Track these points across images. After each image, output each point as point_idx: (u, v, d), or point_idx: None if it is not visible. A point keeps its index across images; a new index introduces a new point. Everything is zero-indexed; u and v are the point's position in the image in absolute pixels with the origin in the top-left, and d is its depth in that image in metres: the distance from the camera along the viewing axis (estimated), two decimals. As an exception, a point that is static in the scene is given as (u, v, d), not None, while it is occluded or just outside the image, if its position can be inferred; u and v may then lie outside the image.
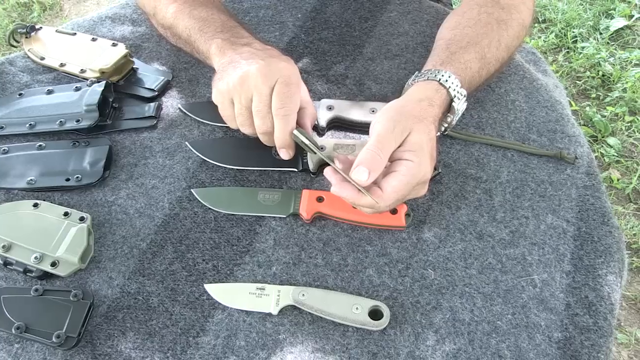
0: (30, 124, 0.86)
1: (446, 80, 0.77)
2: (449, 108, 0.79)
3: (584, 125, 2.06)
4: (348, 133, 0.88)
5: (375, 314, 0.69)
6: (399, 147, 0.69)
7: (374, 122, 0.71)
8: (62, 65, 0.95)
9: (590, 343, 0.69)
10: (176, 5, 0.87)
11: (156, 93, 0.91)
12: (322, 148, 0.81)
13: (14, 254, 0.73)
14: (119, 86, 0.92)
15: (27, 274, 0.73)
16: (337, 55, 0.99)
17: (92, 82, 0.89)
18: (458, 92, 0.78)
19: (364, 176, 0.66)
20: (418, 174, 0.68)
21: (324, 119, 0.86)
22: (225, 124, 0.80)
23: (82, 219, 0.76)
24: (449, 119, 0.80)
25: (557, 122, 0.90)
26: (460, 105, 0.79)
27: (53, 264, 0.72)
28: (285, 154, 0.77)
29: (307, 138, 0.74)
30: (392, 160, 0.70)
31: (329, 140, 0.84)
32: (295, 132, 0.73)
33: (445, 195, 0.81)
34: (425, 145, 0.69)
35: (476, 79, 0.83)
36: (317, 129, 0.87)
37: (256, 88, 0.71)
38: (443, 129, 0.82)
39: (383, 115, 0.71)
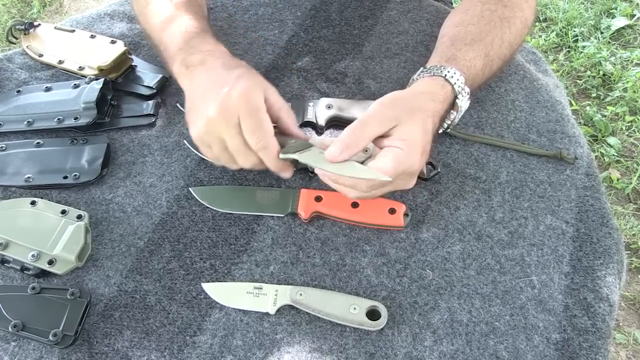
0: (28, 121, 0.86)
1: (452, 77, 0.76)
2: (452, 105, 0.79)
3: (584, 124, 2.05)
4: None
5: (372, 314, 0.69)
6: (390, 136, 0.69)
7: (369, 107, 0.71)
8: (60, 62, 0.94)
9: (588, 345, 0.69)
10: (145, 18, 0.86)
11: (154, 91, 0.91)
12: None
13: (11, 251, 0.72)
14: (118, 84, 0.92)
15: (24, 272, 0.72)
16: (337, 53, 0.99)
17: (91, 80, 0.88)
18: (462, 89, 0.77)
19: (337, 152, 0.66)
20: (405, 162, 0.67)
21: (323, 117, 0.86)
22: None
23: (79, 217, 0.76)
24: (452, 116, 0.80)
25: (557, 122, 0.90)
26: (463, 103, 0.79)
27: (50, 262, 0.72)
28: (285, 175, 0.73)
29: (293, 153, 0.71)
30: (382, 147, 0.70)
31: (327, 139, 0.84)
32: (281, 155, 0.70)
33: (444, 195, 0.81)
34: (418, 137, 0.68)
35: (480, 77, 0.82)
36: (316, 127, 0.87)
37: (223, 133, 0.68)
38: (445, 125, 0.82)
39: (378, 101, 0.71)
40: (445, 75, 0.76)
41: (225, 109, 0.67)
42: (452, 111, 0.80)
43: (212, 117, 0.68)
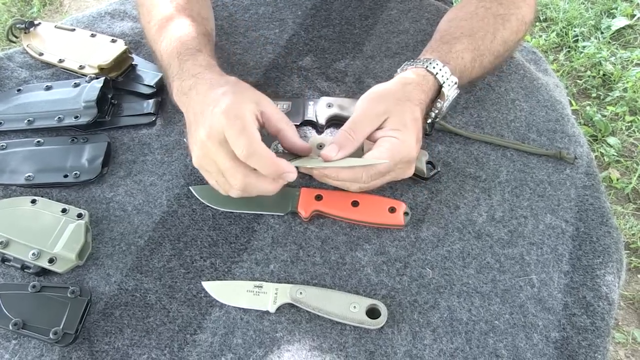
0: (28, 120, 0.86)
1: (434, 68, 0.78)
2: (436, 95, 0.81)
3: (584, 124, 2.06)
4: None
5: (372, 313, 0.69)
6: (382, 128, 0.71)
7: (357, 104, 0.73)
8: (60, 61, 0.95)
9: (587, 343, 0.69)
10: (151, 33, 0.85)
11: (155, 89, 0.91)
12: (320, 146, 0.80)
13: (12, 250, 0.73)
14: (118, 82, 0.92)
15: (25, 270, 0.73)
16: (337, 52, 0.99)
17: (91, 78, 0.88)
18: (448, 79, 0.79)
19: (333, 153, 0.69)
20: (402, 151, 0.70)
21: (323, 116, 0.86)
22: None
23: (80, 216, 0.76)
24: (438, 105, 0.81)
25: (557, 121, 0.90)
26: (450, 92, 0.80)
27: (51, 261, 0.72)
28: (290, 177, 0.68)
29: (288, 161, 0.71)
30: (377, 139, 0.72)
31: (328, 137, 0.84)
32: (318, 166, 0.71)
33: (444, 194, 0.81)
34: (409, 124, 0.71)
35: (468, 69, 0.84)
36: (316, 126, 0.87)
37: (214, 154, 0.66)
38: (434, 115, 0.83)
39: (365, 97, 0.74)
40: (427, 66, 0.79)
41: (211, 127, 0.65)
42: (438, 100, 0.81)
43: (203, 140, 0.66)
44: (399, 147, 0.70)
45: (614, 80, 2.17)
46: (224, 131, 0.64)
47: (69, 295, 0.68)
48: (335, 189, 0.79)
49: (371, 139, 0.72)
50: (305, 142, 0.73)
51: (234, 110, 0.65)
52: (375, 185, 0.74)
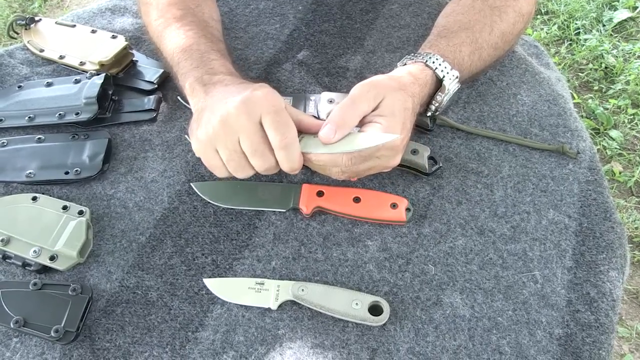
0: (29, 117, 0.86)
1: (433, 62, 0.78)
2: (435, 89, 0.81)
3: (586, 117, 2.05)
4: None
5: (375, 310, 0.69)
6: (372, 111, 0.70)
7: (352, 89, 0.72)
8: (61, 57, 0.94)
9: (591, 340, 0.69)
10: (158, 30, 0.86)
11: (156, 86, 0.91)
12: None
13: (13, 247, 0.72)
14: (119, 79, 0.92)
15: (26, 267, 0.72)
16: (338, 47, 0.98)
17: (92, 75, 0.88)
18: (448, 73, 0.79)
19: (331, 133, 0.67)
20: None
21: (324, 111, 0.86)
22: None
23: (81, 213, 0.76)
24: (439, 97, 0.81)
25: (560, 116, 0.89)
26: (451, 85, 0.80)
27: (52, 258, 0.72)
28: (295, 172, 0.70)
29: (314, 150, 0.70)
30: (363, 124, 0.70)
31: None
32: (315, 152, 0.69)
33: (446, 190, 0.81)
34: (398, 113, 0.70)
35: (467, 63, 0.84)
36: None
37: (242, 128, 0.65)
38: (434, 108, 0.83)
39: (361, 83, 0.72)
40: (427, 61, 0.79)
41: (248, 104, 0.64)
42: (438, 92, 0.81)
43: (233, 112, 0.64)
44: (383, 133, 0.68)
45: (616, 73, 2.16)
46: (265, 114, 0.64)
47: (70, 292, 0.68)
48: (337, 185, 0.78)
49: (361, 122, 0.71)
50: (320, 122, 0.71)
51: (277, 100, 0.66)
52: (358, 172, 0.72)
